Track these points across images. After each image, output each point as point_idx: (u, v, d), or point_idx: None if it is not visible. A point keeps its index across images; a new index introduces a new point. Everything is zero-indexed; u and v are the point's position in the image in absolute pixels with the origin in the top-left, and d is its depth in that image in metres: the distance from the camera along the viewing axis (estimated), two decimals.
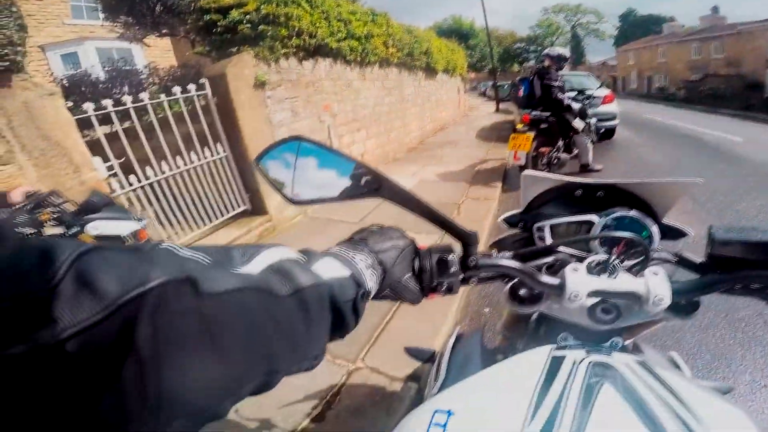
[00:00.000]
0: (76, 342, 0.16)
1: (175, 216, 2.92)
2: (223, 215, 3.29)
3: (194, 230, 3.06)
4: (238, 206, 3.46)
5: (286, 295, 0.28)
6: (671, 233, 0.66)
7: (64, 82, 4.83)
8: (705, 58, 22.37)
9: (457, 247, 0.48)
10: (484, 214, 3.68)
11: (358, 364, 1.76)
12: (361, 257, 0.40)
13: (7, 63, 2.00)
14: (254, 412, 1.49)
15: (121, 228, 1.52)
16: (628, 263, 0.54)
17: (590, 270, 0.51)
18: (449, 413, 0.41)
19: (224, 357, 0.23)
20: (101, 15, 6.60)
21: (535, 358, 0.47)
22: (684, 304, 0.52)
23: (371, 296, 0.40)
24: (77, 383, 0.16)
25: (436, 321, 2.02)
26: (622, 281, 0.49)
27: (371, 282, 0.39)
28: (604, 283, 0.49)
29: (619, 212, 0.65)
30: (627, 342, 0.57)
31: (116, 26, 5.82)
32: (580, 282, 0.48)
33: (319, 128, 4.38)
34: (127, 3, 5.19)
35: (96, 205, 1.49)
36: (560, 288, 0.49)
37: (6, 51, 1.98)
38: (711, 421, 0.35)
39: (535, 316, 0.77)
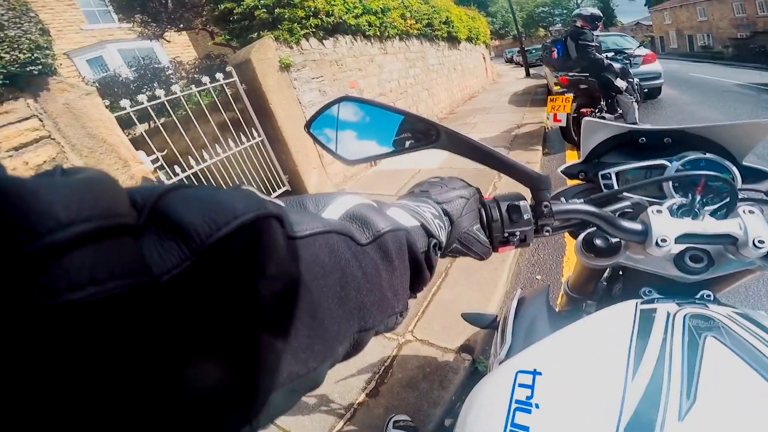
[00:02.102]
0: (167, 289, 0.14)
1: None
2: None
3: None
4: (279, 188, 3.56)
5: (366, 243, 0.27)
6: (753, 176, 0.59)
7: (96, 85, 5.03)
8: (751, 15, 21.18)
9: (526, 194, 0.44)
10: None
11: (408, 337, 1.77)
12: (426, 207, 0.37)
13: (40, 66, 2.06)
14: None
15: None
16: (711, 207, 0.49)
17: (673, 213, 0.46)
18: (535, 372, 0.39)
19: (321, 307, 0.21)
20: (115, 17, 6.75)
21: (621, 313, 0.44)
22: None
23: (442, 248, 0.37)
24: (170, 338, 0.14)
25: (486, 291, 1.98)
26: (713, 223, 0.44)
27: (440, 233, 0.36)
28: (692, 225, 0.44)
29: (693, 155, 0.60)
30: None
31: (133, 26, 5.94)
32: (666, 225, 0.43)
33: None
34: (138, 1, 5.25)
35: None
36: (643, 233, 0.44)
37: (36, 55, 2.03)
38: None
39: (607, 273, 0.73)
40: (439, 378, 1.51)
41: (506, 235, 0.41)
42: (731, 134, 0.59)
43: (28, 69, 2.02)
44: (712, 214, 0.47)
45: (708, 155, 0.59)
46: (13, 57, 1.95)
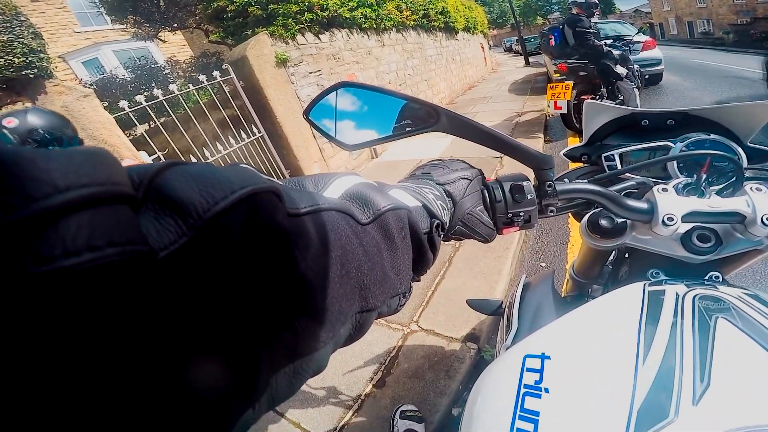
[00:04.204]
0: (165, 265, 0.13)
1: None
2: None
3: None
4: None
5: (367, 222, 0.26)
6: (759, 157, 0.59)
7: (94, 87, 5.01)
8: (751, 1, 20.82)
9: (530, 175, 0.43)
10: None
11: (413, 327, 1.78)
12: (428, 189, 0.37)
13: (35, 70, 2.06)
14: (319, 382, 1.56)
15: None
16: (716, 187, 0.49)
17: (679, 191, 0.45)
18: (543, 357, 0.39)
19: (321, 286, 0.21)
20: (107, 18, 6.69)
21: (629, 295, 0.43)
22: None
23: (445, 230, 0.37)
24: (167, 314, 0.13)
25: (491, 279, 1.98)
26: (720, 201, 0.43)
27: (443, 214, 0.36)
28: (699, 203, 0.43)
29: (698, 136, 0.59)
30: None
31: (126, 27, 5.90)
32: (673, 203, 0.43)
33: None
34: (129, 2, 5.22)
35: None
36: (650, 212, 0.44)
37: (30, 58, 2.04)
38: None
39: (613, 256, 0.72)
40: (445, 367, 1.52)
41: (510, 215, 0.41)
42: (735, 116, 0.58)
43: (23, 73, 2.02)
44: (718, 193, 0.47)
45: (712, 136, 0.59)
46: (8, 61, 1.96)
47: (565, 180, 0.52)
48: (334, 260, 0.22)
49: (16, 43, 2.01)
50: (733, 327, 0.35)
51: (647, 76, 5.39)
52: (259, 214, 0.17)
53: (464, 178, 0.40)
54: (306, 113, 0.45)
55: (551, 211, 0.44)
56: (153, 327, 0.13)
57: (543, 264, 2.20)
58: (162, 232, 0.14)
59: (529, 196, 0.40)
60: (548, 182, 0.42)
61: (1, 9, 2.05)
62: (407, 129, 0.42)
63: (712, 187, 0.47)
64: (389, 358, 1.63)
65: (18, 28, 2.06)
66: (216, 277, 0.15)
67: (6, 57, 1.96)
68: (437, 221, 0.34)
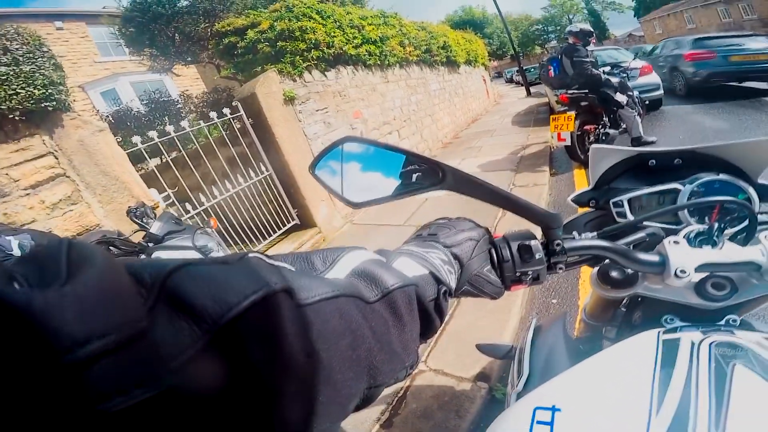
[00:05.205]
0: (181, 377, 0.14)
1: (231, 237, 3.05)
2: (275, 232, 3.42)
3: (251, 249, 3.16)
4: (288, 222, 3.57)
5: (375, 300, 0.27)
6: None
7: (110, 118, 5.20)
8: (737, 19, 21.37)
9: (537, 232, 0.44)
10: (535, 200, 3.55)
11: (421, 367, 1.73)
12: (435, 253, 0.37)
13: (54, 102, 2.06)
14: None
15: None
16: (730, 231, 0.48)
17: (691, 242, 0.45)
18: (554, 409, 0.38)
19: (334, 372, 0.21)
20: (126, 50, 7.06)
21: (642, 344, 0.43)
22: None
23: (452, 294, 0.37)
24: (191, 420, 0.14)
25: (500, 317, 1.93)
26: (734, 250, 0.43)
27: (450, 278, 0.36)
28: (712, 254, 0.43)
29: (707, 177, 0.59)
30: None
31: (143, 59, 6.19)
32: (685, 255, 0.43)
33: None
34: (147, 36, 5.53)
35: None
36: (661, 265, 0.44)
37: (50, 91, 2.03)
38: None
39: (626, 300, 0.71)
40: (455, 407, 1.46)
41: (518, 274, 0.41)
42: (744, 153, 0.58)
43: (42, 105, 2.00)
44: (732, 238, 0.47)
45: (721, 176, 0.58)
46: (29, 93, 1.94)
47: (574, 233, 0.52)
48: (345, 346, 0.23)
49: (37, 75, 1.99)
50: (752, 373, 0.35)
51: (647, 102, 5.45)
52: (271, 315, 0.18)
53: (471, 239, 0.41)
54: (312, 168, 0.46)
55: (560, 269, 0.44)
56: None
57: (554, 300, 2.15)
58: (177, 336, 0.14)
59: (537, 256, 0.41)
60: (557, 240, 0.42)
61: (26, 39, 2.04)
62: (413, 187, 0.42)
63: (725, 232, 0.47)
64: (396, 398, 1.57)
65: (40, 59, 2.05)
66: (230, 375, 0.16)
67: (27, 89, 1.94)
68: (444, 288, 0.34)
